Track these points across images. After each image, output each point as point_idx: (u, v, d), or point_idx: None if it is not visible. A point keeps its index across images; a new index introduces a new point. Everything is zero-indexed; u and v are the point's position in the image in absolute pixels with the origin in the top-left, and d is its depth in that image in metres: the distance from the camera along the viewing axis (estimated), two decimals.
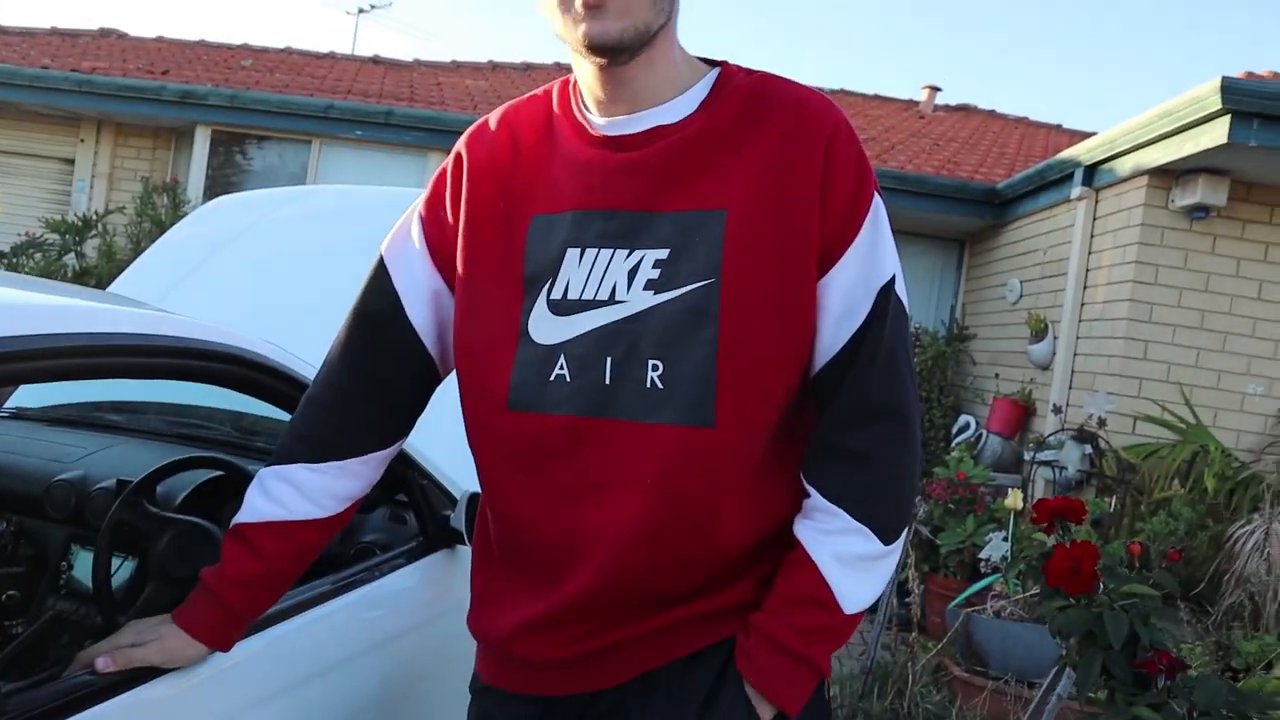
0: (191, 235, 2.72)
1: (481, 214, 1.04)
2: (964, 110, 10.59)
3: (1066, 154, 5.63)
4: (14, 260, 6.62)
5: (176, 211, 6.81)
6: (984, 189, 6.71)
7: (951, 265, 7.58)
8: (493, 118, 1.09)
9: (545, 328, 0.99)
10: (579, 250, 0.98)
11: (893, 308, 0.97)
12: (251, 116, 7.08)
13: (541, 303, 0.99)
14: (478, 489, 1.64)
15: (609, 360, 0.95)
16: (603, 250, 0.97)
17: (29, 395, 2.34)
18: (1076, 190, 5.41)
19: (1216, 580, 4.16)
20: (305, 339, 1.52)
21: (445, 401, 2.05)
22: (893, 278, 0.97)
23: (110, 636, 1.06)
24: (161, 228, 6.58)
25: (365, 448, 1.13)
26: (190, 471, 1.64)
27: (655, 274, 0.95)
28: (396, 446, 1.17)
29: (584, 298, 0.97)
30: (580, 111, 1.01)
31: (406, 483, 1.60)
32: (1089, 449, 4.82)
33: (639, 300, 0.95)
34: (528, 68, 9.99)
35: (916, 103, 10.52)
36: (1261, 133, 4.22)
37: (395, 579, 1.54)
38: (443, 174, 1.10)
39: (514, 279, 1.01)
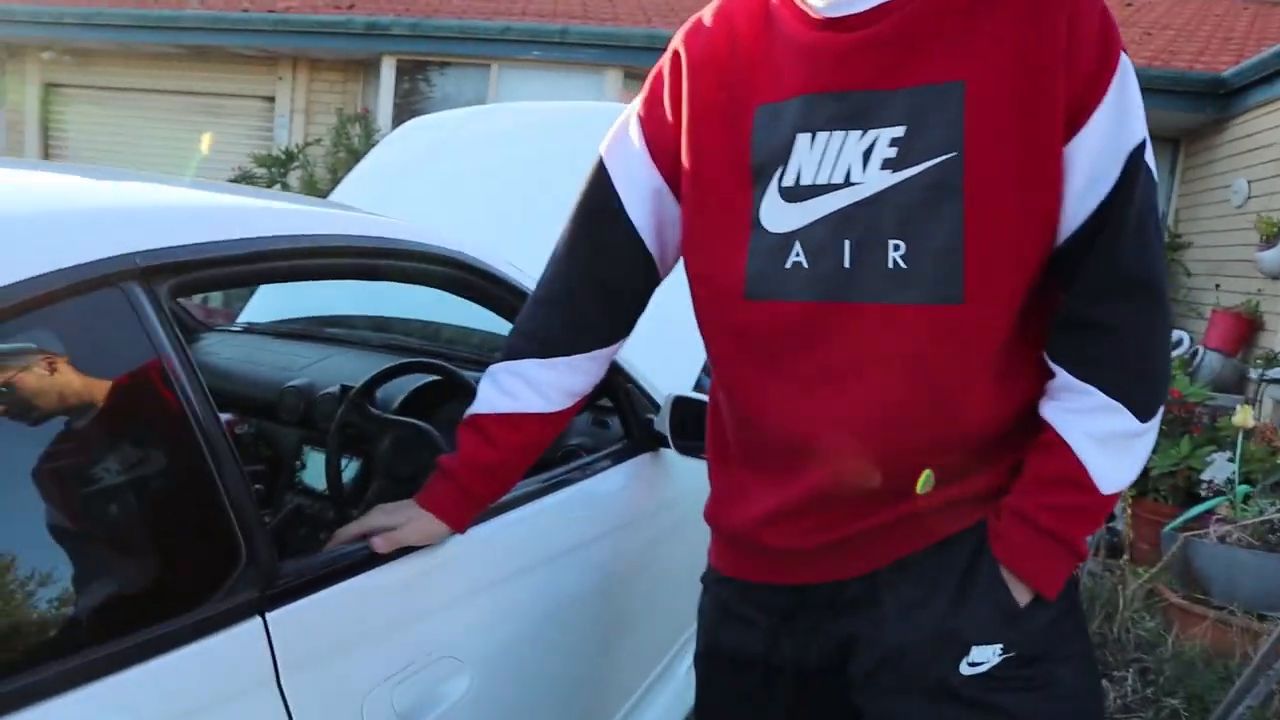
0: (389, 158, 2.82)
1: (704, 109, 1.03)
2: None
3: None
4: None
5: (369, 140, 7.13)
6: (1206, 79, 6.03)
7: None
8: (707, 13, 1.07)
9: (778, 215, 0.97)
10: (810, 135, 0.95)
11: (1143, 175, 0.91)
12: (433, 44, 7.27)
13: (773, 190, 0.97)
14: (681, 393, 1.64)
15: (847, 243, 0.93)
16: (835, 133, 0.94)
17: (258, 310, 2.53)
18: None
19: None
20: (502, 249, 1.54)
21: (649, 308, 2.06)
22: (1143, 142, 0.91)
23: (361, 518, 1.12)
24: (356, 156, 6.92)
25: (592, 344, 1.15)
26: (406, 376, 1.72)
27: (892, 152, 0.91)
28: (620, 344, 1.19)
29: (817, 182, 0.95)
30: None
31: (612, 387, 1.61)
32: None
33: (876, 180, 0.92)
34: None
35: None
36: None
37: (601, 480, 1.57)
38: (659, 73, 1.09)
39: (742, 170, 0.99)
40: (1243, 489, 3.38)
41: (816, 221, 0.94)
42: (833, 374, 0.95)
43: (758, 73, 1.00)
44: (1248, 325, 5.30)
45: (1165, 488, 4.20)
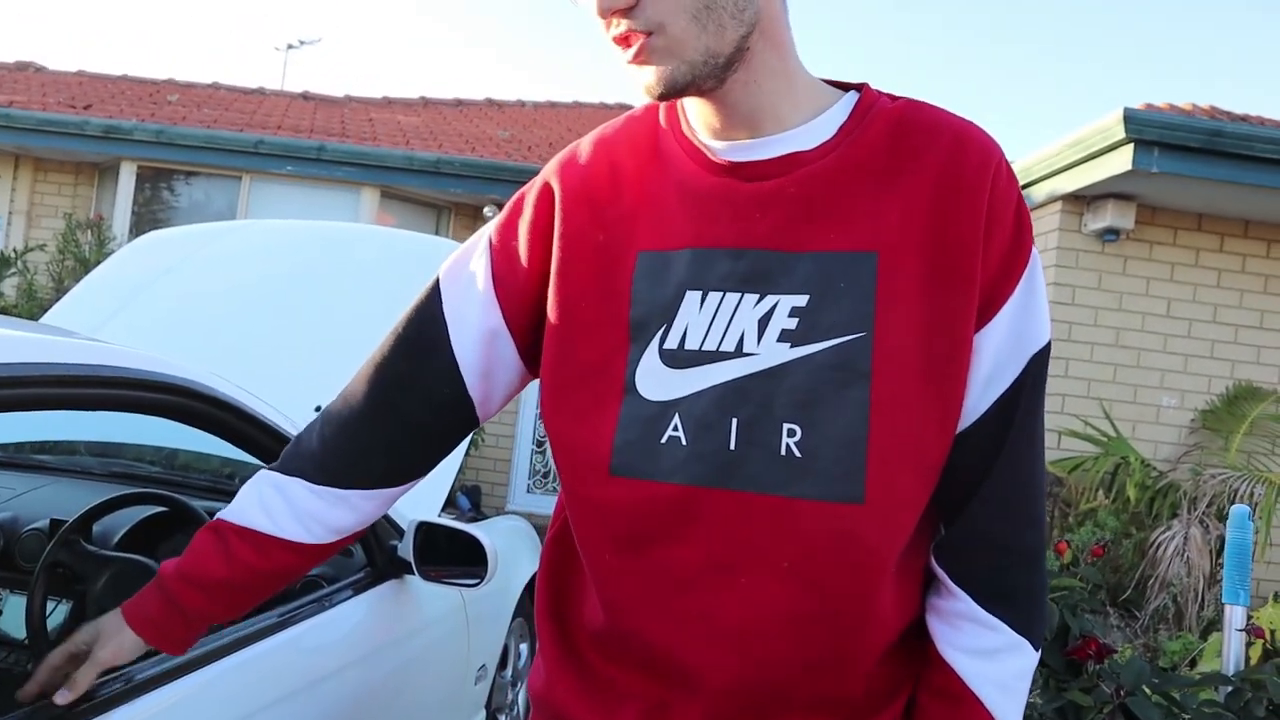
0: (124, 270, 2.67)
1: (578, 250, 0.90)
2: None
3: None
4: None
5: (102, 249, 6.65)
6: None
7: None
8: (583, 145, 0.95)
9: (656, 381, 0.85)
10: (700, 293, 0.84)
11: (1043, 379, 0.86)
12: (179, 152, 6.97)
13: (652, 352, 0.85)
14: (424, 517, 1.65)
15: (734, 421, 0.82)
16: (729, 294, 0.83)
17: None
18: None
19: (1142, 586, 4.33)
20: (241, 374, 1.52)
21: None
22: (1048, 344, 0.86)
23: (66, 642, 1.03)
24: (86, 265, 6.43)
25: (373, 480, 0.99)
26: (131, 508, 1.62)
27: (792, 324, 0.81)
28: (408, 487, 1.03)
29: (705, 348, 0.83)
30: (692, 134, 0.88)
31: None
32: None
33: (772, 354, 0.81)
34: (459, 103, 10.01)
35: None
36: (1162, 160, 4.47)
37: (343, 610, 1.54)
38: (520, 201, 0.96)
39: (618, 324, 0.87)
40: None
41: (701, 393, 0.83)
42: (710, 569, 0.83)
43: (642, 214, 0.88)
44: None
45: None
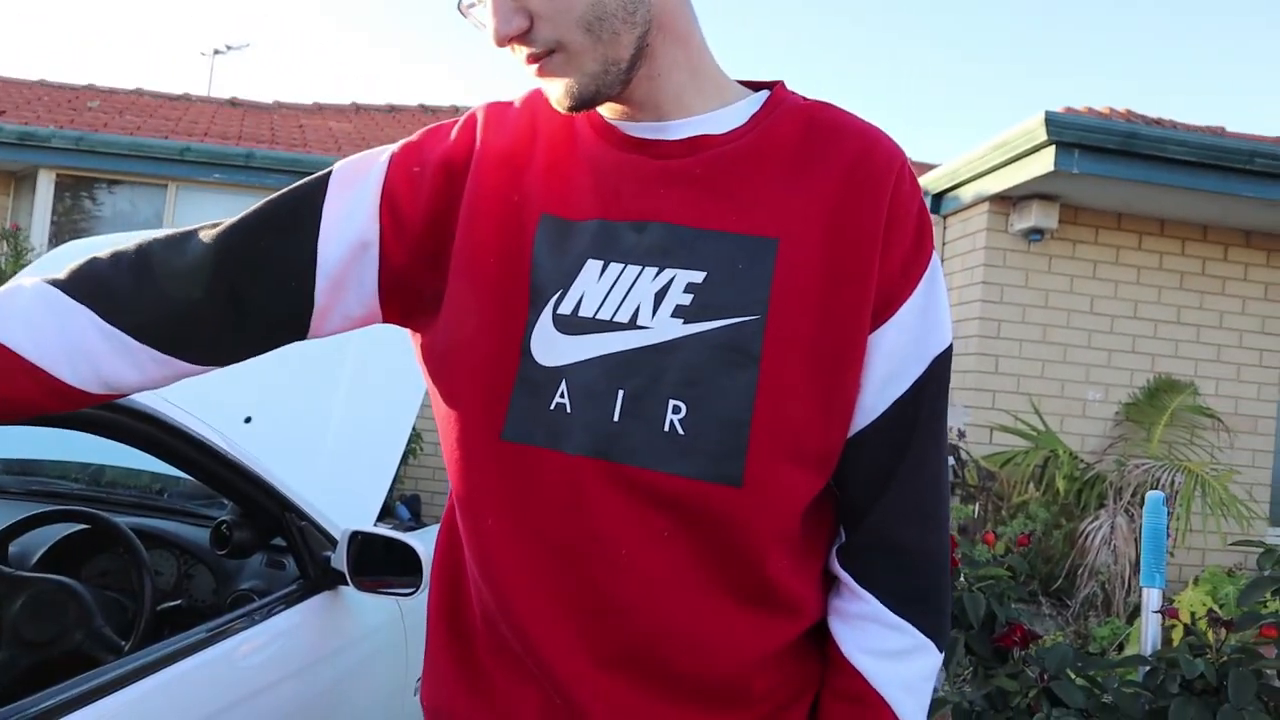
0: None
1: (487, 203, 0.88)
2: None
3: None
4: None
5: (19, 260, 6.41)
6: None
7: None
8: (518, 97, 0.94)
9: (547, 346, 0.84)
10: (601, 263, 0.84)
11: (945, 380, 0.87)
12: (100, 160, 6.76)
13: (546, 316, 0.84)
14: (358, 527, 1.63)
15: (620, 393, 0.81)
16: (629, 266, 0.83)
17: None
18: None
19: (1072, 575, 4.46)
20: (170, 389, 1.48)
21: (324, 438, 2.02)
22: (949, 347, 0.87)
23: None
24: (2, 276, 6.19)
25: (171, 346, 0.87)
26: (50, 526, 1.57)
27: (687, 299, 0.81)
28: (198, 370, 0.90)
29: (598, 317, 0.82)
30: (600, 113, 0.88)
31: (283, 525, 1.57)
32: (951, 460, 5.10)
33: (665, 328, 0.81)
34: (392, 109, 9.90)
35: None
36: (1082, 161, 4.62)
37: (276, 623, 1.51)
38: (438, 131, 0.93)
39: (518, 286, 0.85)
40: None
41: (588, 361, 0.82)
42: (590, 541, 0.81)
43: (551, 178, 0.87)
44: None
45: None
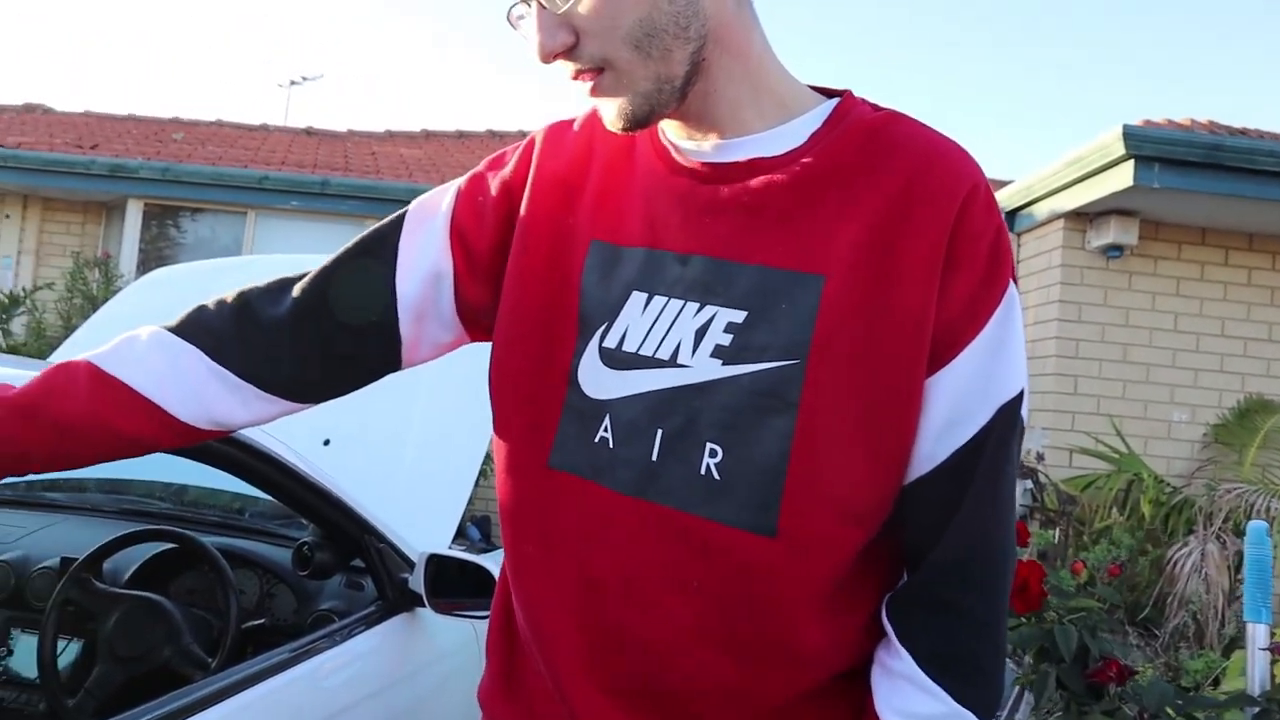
0: (131, 308, 2.68)
1: (540, 227, 0.88)
2: None
3: None
4: None
5: (109, 286, 6.68)
6: None
7: None
8: (579, 119, 0.92)
9: (594, 378, 0.83)
10: (645, 295, 0.81)
11: (1016, 430, 0.78)
12: (185, 189, 7.02)
13: (594, 348, 0.83)
14: (434, 550, 1.64)
15: (660, 432, 0.79)
16: (672, 300, 0.80)
17: None
18: None
19: (1160, 604, 4.28)
20: None
21: (400, 461, 2.05)
22: (1020, 393, 0.78)
23: None
24: (94, 303, 6.45)
25: (275, 386, 0.91)
26: (139, 545, 1.62)
27: (726, 340, 0.77)
28: (303, 407, 0.95)
29: (641, 352, 0.81)
30: (663, 131, 0.85)
31: (362, 547, 1.59)
32: (1030, 484, 4.95)
33: (704, 368, 0.78)
34: (461, 135, 10.09)
35: None
36: (1163, 175, 4.48)
37: (356, 644, 1.53)
38: (501, 158, 0.94)
39: (566, 313, 0.85)
40: None
41: (633, 397, 0.80)
42: (620, 581, 0.81)
43: (604, 202, 0.86)
44: None
45: None
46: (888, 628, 0.82)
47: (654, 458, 0.78)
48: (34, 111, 9.19)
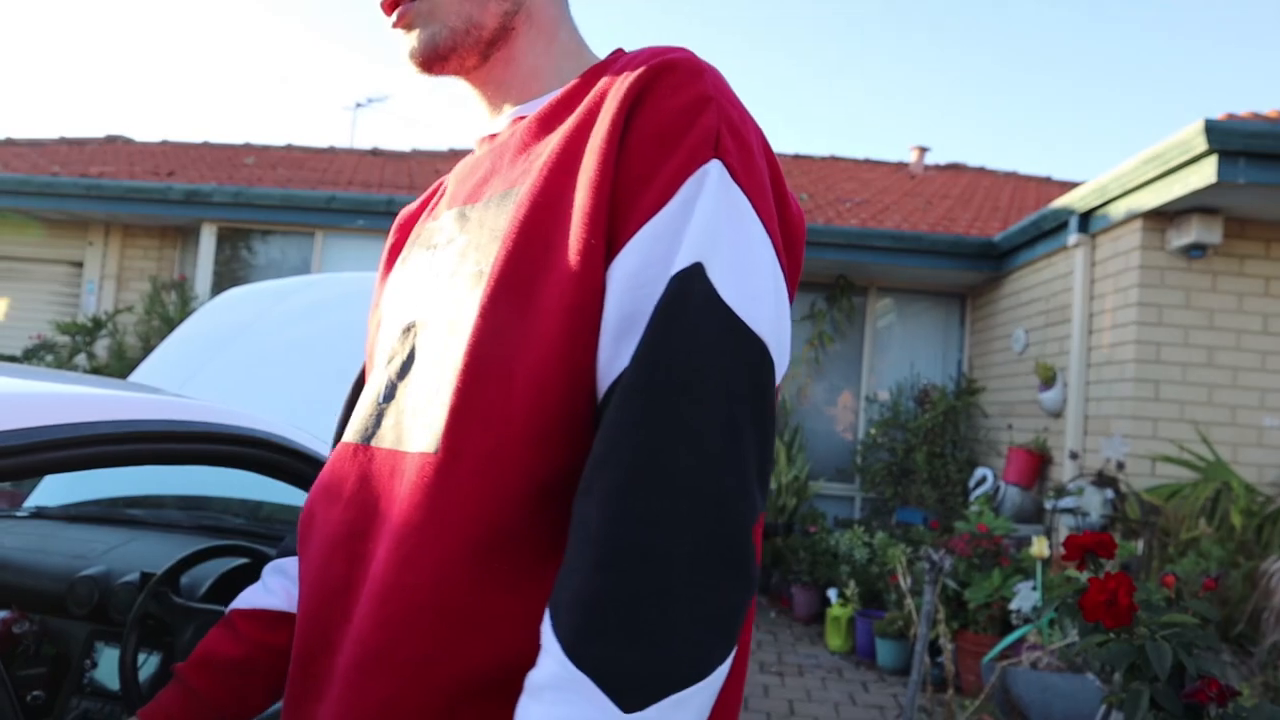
0: (205, 327, 2.75)
1: (385, 268, 1.00)
2: (954, 168, 10.77)
3: (1060, 203, 5.70)
4: (26, 363, 6.68)
5: (185, 307, 6.89)
6: (980, 243, 6.78)
7: (955, 320, 7.62)
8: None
9: (379, 352, 0.87)
10: (413, 258, 0.87)
11: (698, 313, 0.63)
12: (256, 211, 7.23)
13: (377, 329, 0.92)
14: None
15: (387, 374, 0.80)
16: (427, 252, 0.84)
17: (49, 493, 2.35)
18: (1073, 237, 5.47)
19: (1255, 619, 4.08)
20: (317, 424, 1.53)
21: None
22: (696, 267, 0.64)
23: None
24: (170, 324, 6.66)
25: None
26: (214, 560, 1.64)
27: (450, 266, 0.78)
28: None
29: (400, 310, 0.84)
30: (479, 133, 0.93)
31: None
32: (1110, 493, 4.77)
33: (430, 300, 0.78)
34: None
35: (907, 164, 10.71)
36: (1249, 170, 4.29)
37: None
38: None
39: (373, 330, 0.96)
40: (1047, 615, 3.61)
41: (382, 355, 0.84)
42: (350, 538, 0.78)
43: (430, 212, 0.96)
44: (1039, 460, 5.79)
45: (983, 619, 4.43)
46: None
47: (381, 399, 0.79)
48: (115, 142, 9.56)
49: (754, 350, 0.64)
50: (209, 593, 1.64)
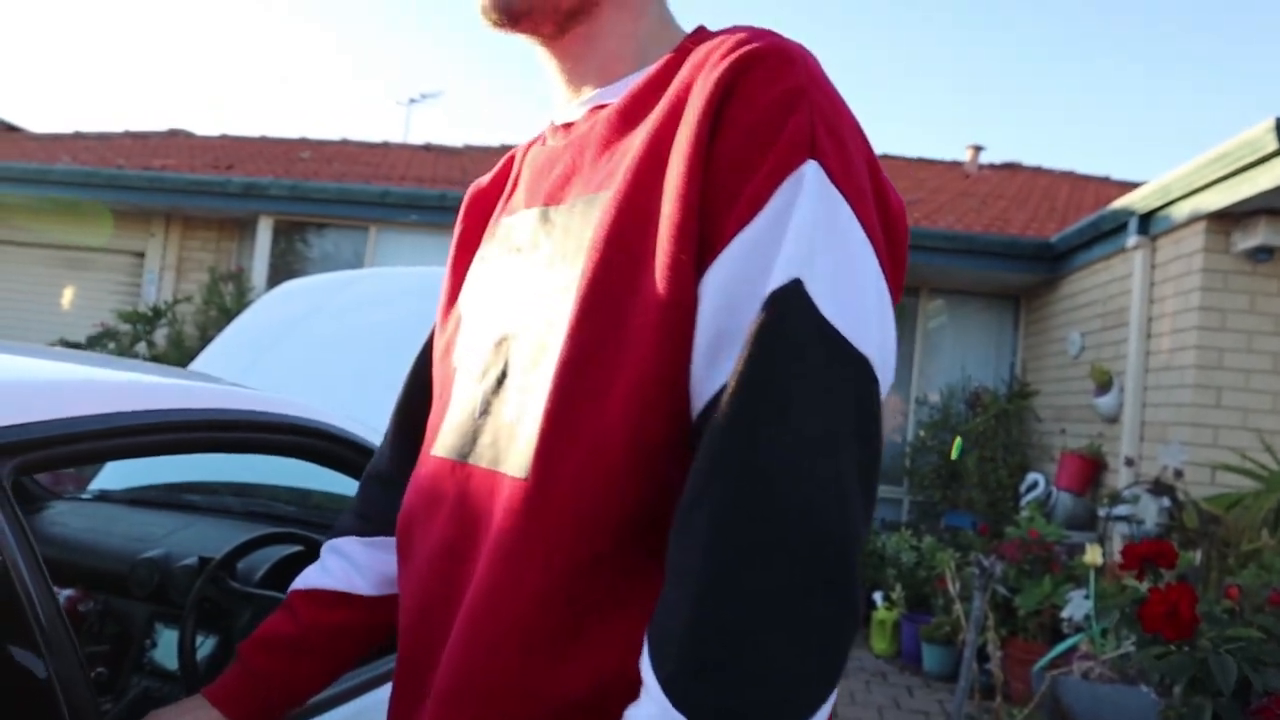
0: (261, 320, 2.80)
1: (457, 250, 0.95)
2: (1009, 168, 10.58)
3: (1120, 203, 5.57)
4: (91, 350, 6.89)
5: (242, 299, 7.04)
6: (1036, 244, 6.66)
7: (1008, 322, 7.48)
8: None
9: (463, 357, 0.83)
10: (497, 260, 0.82)
11: (794, 336, 0.59)
12: (312, 205, 7.35)
13: (455, 327, 0.87)
14: None
15: (482, 388, 0.76)
16: (511, 257, 0.80)
17: (112, 477, 2.41)
18: (1132, 239, 5.34)
19: None
20: (371, 413, 1.55)
21: None
22: (794, 284, 0.59)
23: None
24: (227, 315, 6.81)
25: None
26: (269, 548, 1.67)
27: (537, 277, 0.74)
28: None
29: (485, 316, 0.80)
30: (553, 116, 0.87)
31: None
32: (1167, 502, 4.66)
33: (520, 313, 0.75)
34: None
35: (961, 163, 10.54)
36: None
37: None
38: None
39: (451, 304, 0.91)
40: (1101, 624, 3.54)
41: (467, 364, 0.81)
42: (448, 556, 0.76)
43: (506, 199, 0.90)
44: (1093, 466, 5.67)
45: (1033, 626, 4.35)
46: None
47: (477, 414, 0.76)
48: (177, 136, 9.80)
49: (859, 370, 0.60)
50: (264, 578, 1.68)
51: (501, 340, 0.76)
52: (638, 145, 0.68)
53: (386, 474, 1.01)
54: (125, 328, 7.15)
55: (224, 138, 9.91)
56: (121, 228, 7.94)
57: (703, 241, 0.62)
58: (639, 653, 0.60)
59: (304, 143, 9.84)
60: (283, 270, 7.35)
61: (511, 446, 0.70)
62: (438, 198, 7.18)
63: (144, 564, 1.76)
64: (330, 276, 3.16)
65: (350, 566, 0.98)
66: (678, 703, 0.54)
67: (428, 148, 10.02)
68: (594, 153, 0.74)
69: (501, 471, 0.70)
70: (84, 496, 2.33)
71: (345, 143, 10.01)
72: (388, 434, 1.04)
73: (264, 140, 9.88)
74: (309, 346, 2.53)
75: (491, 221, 0.89)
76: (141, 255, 7.96)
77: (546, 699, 0.65)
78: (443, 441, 0.80)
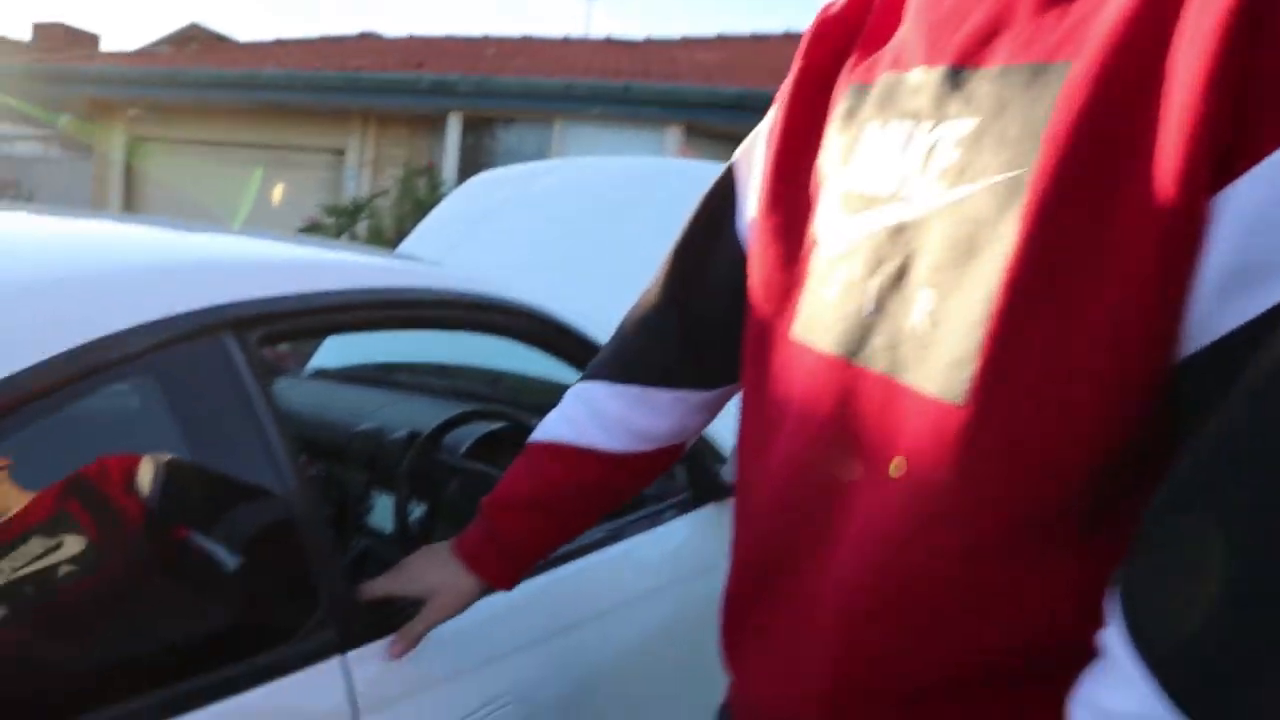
0: (457, 210, 2.90)
1: (800, 82, 0.80)
2: None
3: None
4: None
5: (434, 193, 7.33)
6: None
7: None
8: None
9: (832, 232, 0.72)
10: (880, 124, 0.70)
11: None
12: (498, 100, 7.48)
13: (831, 199, 0.73)
14: None
15: (876, 282, 0.66)
16: (905, 123, 0.67)
17: (327, 355, 2.60)
18: None
19: None
20: (563, 299, 1.57)
21: None
22: None
23: (386, 577, 1.02)
24: (421, 207, 7.12)
25: (677, 379, 0.90)
26: (473, 424, 1.75)
27: (954, 157, 0.62)
28: (720, 392, 0.92)
29: (871, 192, 0.68)
30: None
31: None
32: None
33: (926, 197, 0.63)
34: (756, 38, 9.87)
35: None
36: None
37: (667, 530, 1.57)
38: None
39: (810, 164, 0.77)
40: None
41: (855, 246, 0.69)
42: (826, 466, 0.68)
43: (868, 44, 0.75)
44: None
45: None
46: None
47: (867, 311, 0.67)
48: (370, 39, 10.16)
49: None
50: (468, 452, 1.76)
51: (900, 228, 0.65)
52: (1114, 14, 0.55)
53: (642, 318, 0.94)
54: (329, 221, 7.63)
55: (412, 38, 10.18)
56: (322, 127, 8.38)
57: (1227, 145, 0.50)
58: (1077, 616, 0.57)
59: (488, 40, 9.97)
60: (471, 165, 7.55)
61: (924, 357, 0.61)
62: (621, 90, 7.12)
63: (360, 436, 1.89)
64: (524, 167, 3.22)
65: (594, 417, 0.92)
66: (1186, 707, 0.49)
67: (610, 41, 9.93)
68: (1031, 5, 0.61)
69: (903, 383, 0.63)
70: (303, 375, 2.52)
71: (528, 39, 10.07)
72: (654, 287, 0.94)
73: (449, 39, 10.08)
74: (508, 233, 2.60)
75: (854, 69, 0.75)
76: (342, 153, 8.39)
77: (968, 646, 0.62)
78: (818, 332, 0.71)
